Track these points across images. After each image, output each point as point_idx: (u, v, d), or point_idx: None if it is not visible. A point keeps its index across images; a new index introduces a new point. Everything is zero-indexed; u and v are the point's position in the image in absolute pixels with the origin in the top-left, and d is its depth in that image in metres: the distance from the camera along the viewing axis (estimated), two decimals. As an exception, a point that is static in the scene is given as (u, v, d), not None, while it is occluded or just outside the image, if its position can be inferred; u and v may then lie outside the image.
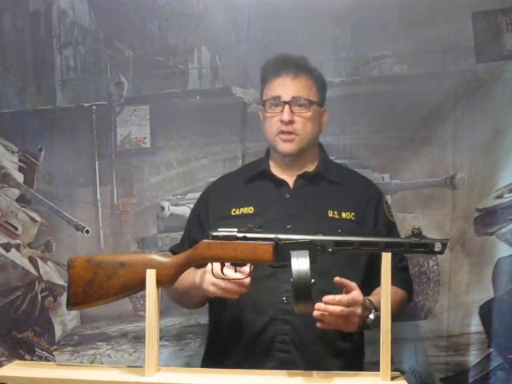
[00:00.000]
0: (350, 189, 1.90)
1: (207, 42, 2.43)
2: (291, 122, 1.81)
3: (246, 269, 1.56)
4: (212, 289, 1.62)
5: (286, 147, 1.84)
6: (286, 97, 1.82)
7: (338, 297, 1.58)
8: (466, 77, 2.31)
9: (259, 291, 1.72)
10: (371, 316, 1.63)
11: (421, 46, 2.31)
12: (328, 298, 1.57)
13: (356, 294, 1.60)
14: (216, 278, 1.58)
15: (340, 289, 1.62)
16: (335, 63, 2.37)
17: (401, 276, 1.85)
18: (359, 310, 1.61)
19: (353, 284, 1.61)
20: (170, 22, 2.43)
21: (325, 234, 1.57)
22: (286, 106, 1.81)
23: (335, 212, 1.83)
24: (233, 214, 1.85)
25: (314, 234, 1.53)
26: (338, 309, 1.57)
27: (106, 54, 2.45)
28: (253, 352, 1.75)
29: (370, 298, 1.68)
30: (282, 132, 1.83)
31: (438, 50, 2.31)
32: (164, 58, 2.44)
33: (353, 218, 1.83)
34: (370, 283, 1.78)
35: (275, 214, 1.82)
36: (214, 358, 1.85)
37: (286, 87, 1.83)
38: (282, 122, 1.82)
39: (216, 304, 1.85)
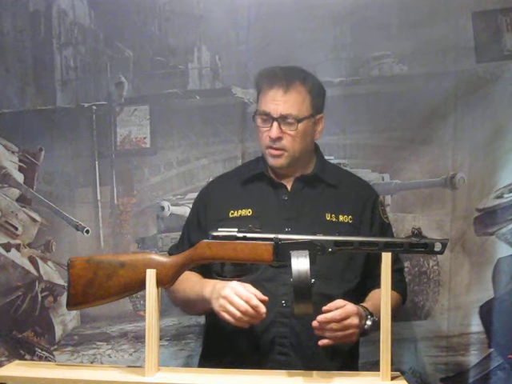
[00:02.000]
0: (347, 191, 1.89)
1: (207, 42, 2.43)
2: (279, 138, 1.80)
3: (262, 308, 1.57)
4: (225, 316, 1.60)
5: (275, 162, 1.84)
6: (275, 113, 1.79)
7: (329, 314, 1.59)
8: (466, 77, 2.31)
9: None
10: (368, 322, 1.65)
11: (421, 46, 2.31)
12: (320, 317, 1.58)
13: (348, 307, 1.61)
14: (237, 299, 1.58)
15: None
16: (335, 63, 2.37)
17: (395, 278, 1.84)
18: (356, 320, 1.62)
19: (339, 303, 1.62)
20: (170, 22, 2.43)
21: None
22: (275, 123, 1.79)
23: (333, 215, 1.83)
24: (231, 216, 1.84)
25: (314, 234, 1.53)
26: (333, 326, 1.59)
27: (106, 54, 2.45)
28: (252, 355, 1.75)
29: (363, 304, 1.70)
30: (271, 147, 1.83)
31: (438, 50, 2.31)
32: (164, 58, 2.44)
33: (350, 221, 1.83)
34: (365, 285, 1.79)
35: (273, 217, 1.82)
36: (212, 359, 1.85)
37: (276, 102, 1.80)
38: (270, 138, 1.81)
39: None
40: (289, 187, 1.88)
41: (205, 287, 1.69)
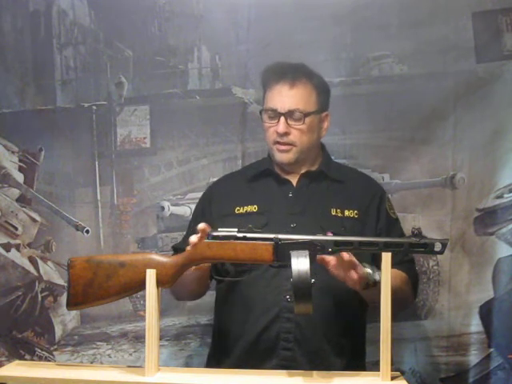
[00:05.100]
0: (353, 187, 1.90)
1: (207, 42, 2.43)
2: (287, 133, 1.82)
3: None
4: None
5: (282, 157, 1.86)
6: (282, 109, 1.81)
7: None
8: (466, 77, 2.31)
9: (263, 290, 1.72)
10: (368, 269, 1.62)
11: (421, 46, 2.31)
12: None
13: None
14: None
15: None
16: (335, 63, 2.37)
17: (407, 265, 1.84)
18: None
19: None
20: (170, 22, 2.43)
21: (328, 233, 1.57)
22: (282, 118, 1.81)
23: (338, 210, 1.84)
24: (236, 212, 1.85)
25: (316, 234, 1.53)
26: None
27: (106, 54, 2.45)
28: (257, 350, 1.76)
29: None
30: (278, 143, 1.84)
31: (438, 50, 2.31)
32: (164, 58, 2.44)
33: (356, 216, 1.84)
34: None
35: (279, 213, 1.83)
36: (220, 355, 1.86)
37: (283, 98, 1.82)
38: (277, 133, 1.82)
39: (221, 302, 1.85)
40: (294, 183, 1.90)
41: None
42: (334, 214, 1.83)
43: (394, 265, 1.67)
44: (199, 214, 1.96)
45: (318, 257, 1.55)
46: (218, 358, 1.85)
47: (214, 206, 1.91)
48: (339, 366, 1.70)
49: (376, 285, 1.60)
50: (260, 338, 1.76)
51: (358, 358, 1.86)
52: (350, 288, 1.74)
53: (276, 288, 1.74)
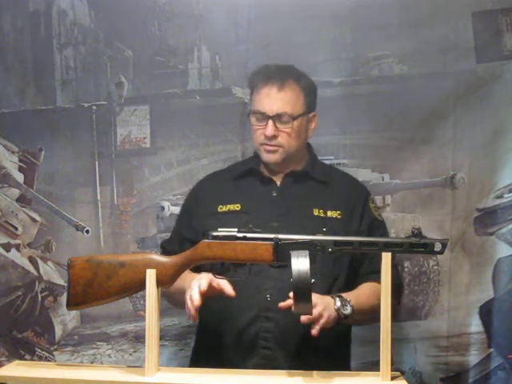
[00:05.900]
0: (337, 188, 1.90)
1: (207, 42, 2.44)
2: (275, 136, 1.82)
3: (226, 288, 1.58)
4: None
5: (269, 158, 1.86)
6: (271, 112, 1.81)
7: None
8: (466, 77, 2.31)
9: (245, 288, 1.71)
10: (337, 303, 1.64)
11: (421, 46, 2.32)
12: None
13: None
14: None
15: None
16: (335, 63, 2.37)
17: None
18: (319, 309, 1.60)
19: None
20: (170, 22, 2.43)
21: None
22: (270, 121, 1.81)
23: (321, 211, 1.83)
24: (219, 210, 1.86)
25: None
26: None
27: (106, 54, 2.46)
28: (237, 348, 1.77)
29: (340, 294, 1.69)
30: (266, 144, 1.84)
31: (438, 50, 2.32)
32: (164, 58, 2.44)
33: (338, 217, 1.83)
34: (353, 281, 1.80)
35: (262, 212, 1.83)
36: (203, 352, 1.87)
37: (271, 101, 1.81)
38: (265, 136, 1.82)
39: (204, 300, 1.85)
40: (278, 183, 1.90)
41: (187, 279, 1.68)
42: (316, 214, 1.83)
43: (367, 274, 1.72)
44: (187, 212, 1.96)
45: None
46: (201, 355, 1.87)
47: (199, 204, 1.92)
48: (320, 366, 1.67)
49: (347, 318, 1.65)
50: (240, 336, 1.77)
51: (341, 360, 1.84)
52: (331, 288, 1.76)
53: (257, 287, 1.74)
